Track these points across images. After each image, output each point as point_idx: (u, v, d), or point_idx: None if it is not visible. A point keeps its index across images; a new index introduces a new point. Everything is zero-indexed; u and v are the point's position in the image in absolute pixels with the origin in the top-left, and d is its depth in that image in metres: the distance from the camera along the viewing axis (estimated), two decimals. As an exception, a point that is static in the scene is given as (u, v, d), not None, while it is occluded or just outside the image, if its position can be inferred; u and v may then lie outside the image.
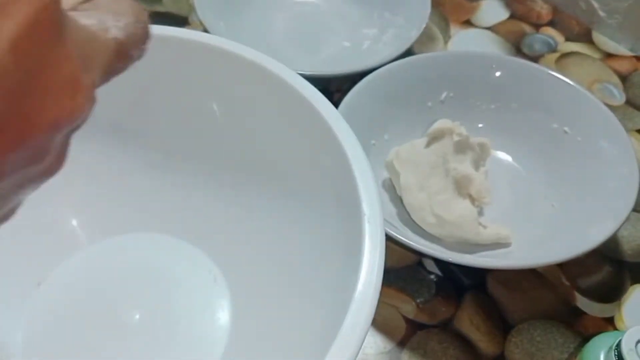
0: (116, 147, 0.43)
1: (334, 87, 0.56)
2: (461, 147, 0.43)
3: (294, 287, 0.38)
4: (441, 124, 0.44)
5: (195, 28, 0.60)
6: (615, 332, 0.34)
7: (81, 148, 0.40)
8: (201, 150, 0.43)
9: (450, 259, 0.40)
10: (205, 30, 0.52)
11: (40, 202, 0.41)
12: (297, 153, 0.38)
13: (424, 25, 0.53)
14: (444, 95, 0.51)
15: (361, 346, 0.27)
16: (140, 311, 0.41)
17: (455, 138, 0.43)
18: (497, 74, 0.50)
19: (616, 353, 0.32)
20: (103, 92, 0.20)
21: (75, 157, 0.41)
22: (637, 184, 0.42)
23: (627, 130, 0.55)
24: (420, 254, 0.45)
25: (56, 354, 0.39)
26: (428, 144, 0.44)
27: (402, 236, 0.40)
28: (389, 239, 0.38)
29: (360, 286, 0.29)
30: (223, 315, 0.41)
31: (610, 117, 0.45)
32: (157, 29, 0.40)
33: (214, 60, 0.39)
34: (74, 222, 0.44)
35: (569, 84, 0.48)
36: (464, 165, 0.43)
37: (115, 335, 0.40)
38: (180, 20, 0.63)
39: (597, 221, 0.41)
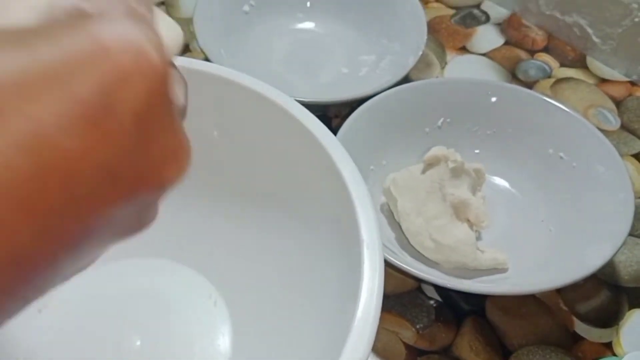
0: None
1: (333, 113, 0.57)
2: (457, 172, 0.44)
3: (294, 312, 0.39)
4: (436, 150, 0.44)
5: (196, 55, 0.61)
6: (614, 358, 0.34)
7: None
8: (202, 175, 0.43)
9: (448, 285, 0.40)
10: (206, 58, 0.53)
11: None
12: (297, 179, 0.39)
13: (420, 53, 0.54)
14: (441, 121, 0.51)
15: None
16: (141, 337, 0.41)
17: (451, 165, 0.43)
18: (493, 100, 0.50)
19: (614, 379, 0.32)
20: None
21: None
22: (632, 208, 0.42)
23: (623, 154, 0.56)
24: (419, 280, 0.45)
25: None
26: (424, 170, 0.45)
27: (400, 262, 0.40)
28: (387, 264, 0.38)
29: (360, 312, 0.29)
30: (223, 341, 0.41)
31: (604, 143, 0.46)
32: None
33: (215, 88, 0.40)
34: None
35: (563, 110, 0.49)
36: (460, 191, 0.44)
37: (117, 361, 0.40)
38: (183, 47, 0.64)
39: (594, 246, 0.42)
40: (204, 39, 0.55)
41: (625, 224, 0.41)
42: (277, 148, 0.39)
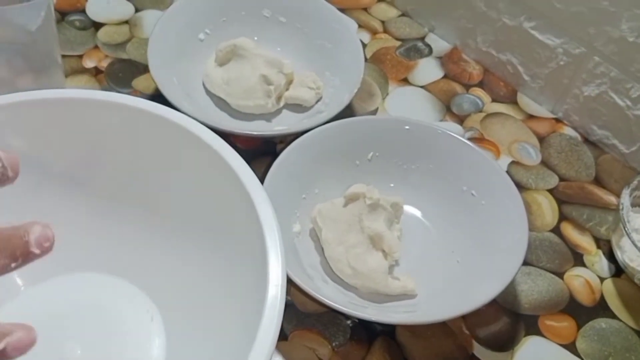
0: (63, 196, 0.48)
1: (278, 139, 0.61)
2: (374, 207, 0.49)
3: (217, 330, 0.43)
4: (356, 188, 0.49)
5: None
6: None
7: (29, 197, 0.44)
8: (136, 202, 0.47)
9: (358, 315, 0.44)
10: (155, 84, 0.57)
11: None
12: (221, 215, 0.43)
13: (355, 91, 0.59)
14: (370, 154, 0.56)
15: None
16: (82, 347, 0.46)
17: (368, 202, 0.48)
18: (416, 137, 0.55)
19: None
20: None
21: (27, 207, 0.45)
22: (525, 247, 0.47)
23: (539, 189, 0.61)
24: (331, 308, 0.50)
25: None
26: (345, 204, 0.50)
27: (315, 292, 0.45)
28: (306, 293, 0.43)
29: (259, 337, 0.34)
30: (158, 350, 0.46)
31: (510, 185, 0.51)
32: (95, 94, 0.45)
33: (146, 125, 0.44)
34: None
35: (477, 151, 0.54)
36: (377, 224, 0.49)
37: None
38: (142, 68, 0.68)
39: (490, 279, 0.47)
40: (155, 63, 0.59)
41: (516, 261, 0.46)
42: (204, 185, 0.44)
